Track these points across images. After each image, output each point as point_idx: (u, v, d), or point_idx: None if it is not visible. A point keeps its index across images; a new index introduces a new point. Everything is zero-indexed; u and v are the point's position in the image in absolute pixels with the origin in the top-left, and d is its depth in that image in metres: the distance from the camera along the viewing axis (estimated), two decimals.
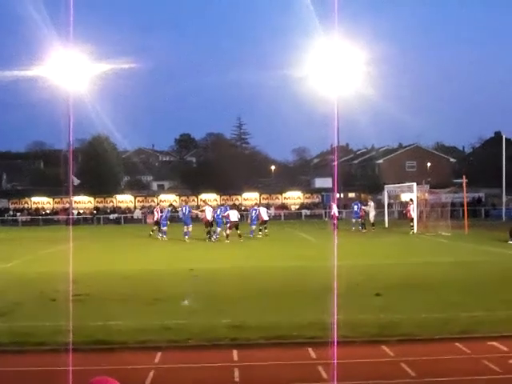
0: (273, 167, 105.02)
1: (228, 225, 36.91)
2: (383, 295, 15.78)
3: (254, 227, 39.94)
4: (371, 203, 46.31)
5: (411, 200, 42.84)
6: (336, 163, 77.79)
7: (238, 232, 36.55)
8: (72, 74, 52.98)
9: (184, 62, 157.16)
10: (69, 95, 55.64)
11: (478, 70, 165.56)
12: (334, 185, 68.53)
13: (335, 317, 11.85)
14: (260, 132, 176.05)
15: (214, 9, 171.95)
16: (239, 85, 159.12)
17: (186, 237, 37.34)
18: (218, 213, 38.13)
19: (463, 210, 45.14)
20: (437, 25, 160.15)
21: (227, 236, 36.05)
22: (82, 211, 75.44)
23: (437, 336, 11.70)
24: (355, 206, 45.29)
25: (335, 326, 11.36)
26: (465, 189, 46.10)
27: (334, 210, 44.93)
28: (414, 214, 41.45)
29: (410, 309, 14.06)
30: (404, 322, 12.67)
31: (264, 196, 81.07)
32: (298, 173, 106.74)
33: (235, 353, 10.91)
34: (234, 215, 37.27)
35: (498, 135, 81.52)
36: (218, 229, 37.69)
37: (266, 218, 40.59)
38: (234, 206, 46.35)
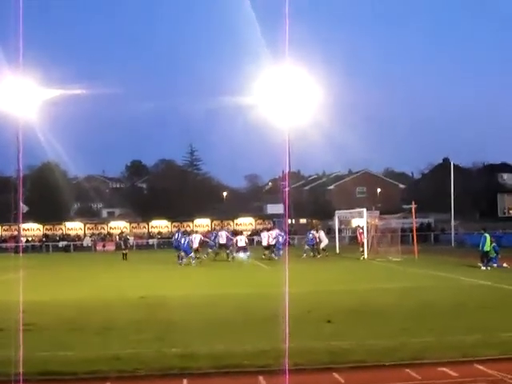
0: (225, 193, 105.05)
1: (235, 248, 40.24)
2: (334, 322, 15.80)
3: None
4: (321, 232, 46.52)
5: (360, 226, 43.23)
6: (288, 189, 78.09)
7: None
8: (21, 100, 52.44)
9: (135, 88, 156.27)
10: (18, 121, 55.05)
11: (426, 96, 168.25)
12: (284, 210, 68.72)
13: (286, 344, 11.86)
14: (212, 158, 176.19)
15: (165, 36, 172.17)
16: (191, 112, 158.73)
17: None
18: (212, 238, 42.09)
19: (413, 236, 45.59)
20: (386, 52, 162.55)
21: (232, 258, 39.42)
22: (30, 239, 74.35)
23: (387, 362, 11.73)
24: (310, 234, 45.48)
25: (288, 354, 11.36)
26: (414, 214, 46.67)
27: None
28: (364, 239, 41.81)
29: (361, 335, 14.09)
30: (355, 349, 12.68)
31: (216, 222, 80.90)
32: (250, 199, 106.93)
33: (185, 382, 10.79)
34: (241, 241, 38.79)
35: (446, 161, 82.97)
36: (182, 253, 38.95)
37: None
38: (240, 232, 47.61)
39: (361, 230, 42.62)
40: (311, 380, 10.83)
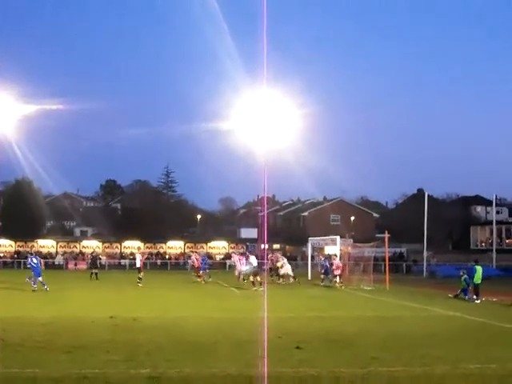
0: (199, 216, 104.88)
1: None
2: (303, 348, 15.81)
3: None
4: (283, 259, 46.09)
5: (335, 255, 43.10)
6: (264, 214, 78.18)
7: (258, 279, 38.65)
8: None
9: (112, 107, 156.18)
10: None
11: (403, 127, 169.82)
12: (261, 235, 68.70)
13: (257, 369, 11.84)
14: (187, 181, 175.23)
15: (144, 58, 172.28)
16: (167, 134, 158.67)
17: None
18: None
19: (385, 265, 45.81)
20: (366, 79, 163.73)
21: (253, 283, 37.67)
22: (2, 255, 73.71)
23: None
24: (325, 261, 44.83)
25: (256, 379, 11.35)
26: (387, 244, 46.87)
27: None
28: (339, 268, 41.73)
29: (330, 363, 14.09)
30: (324, 376, 12.68)
31: (189, 245, 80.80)
32: (224, 222, 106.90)
33: None
34: (254, 261, 38.77)
35: (420, 192, 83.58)
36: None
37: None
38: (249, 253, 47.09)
39: (335, 259, 42.32)
40: None
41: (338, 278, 41.49)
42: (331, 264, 42.38)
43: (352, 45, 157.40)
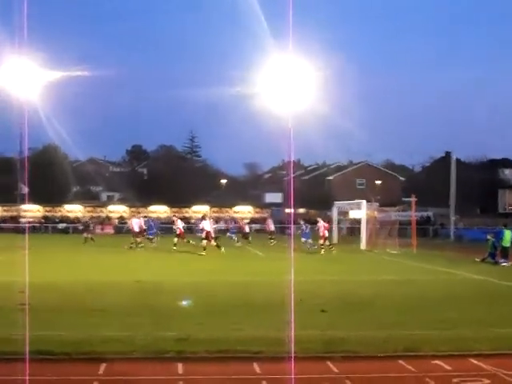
0: (224, 181, 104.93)
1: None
2: (328, 311, 15.85)
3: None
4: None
5: (320, 219, 42.56)
6: (289, 178, 78.06)
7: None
8: (23, 82, 52.27)
9: (138, 73, 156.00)
10: (20, 103, 54.81)
11: (430, 89, 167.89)
12: (288, 199, 68.65)
13: (283, 332, 11.90)
14: (212, 146, 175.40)
15: (168, 23, 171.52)
16: (192, 99, 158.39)
17: None
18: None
19: (411, 229, 45.66)
20: (390, 43, 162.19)
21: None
22: (30, 219, 74.48)
23: (381, 353, 11.78)
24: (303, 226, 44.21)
25: (282, 341, 11.41)
26: (414, 207, 46.69)
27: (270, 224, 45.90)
28: (326, 232, 40.31)
29: (355, 326, 14.13)
30: (349, 339, 12.70)
31: (214, 209, 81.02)
32: (249, 187, 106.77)
33: (180, 366, 10.84)
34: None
35: (447, 155, 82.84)
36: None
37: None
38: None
39: (320, 222, 41.34)
40: (305, 368, 10.85)
41: (322, 240, 39.77)
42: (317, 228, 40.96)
43: (378, 4, 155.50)
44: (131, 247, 40.30)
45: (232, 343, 12.23)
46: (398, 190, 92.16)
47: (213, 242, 37.53)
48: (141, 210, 78.72)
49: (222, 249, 36.94)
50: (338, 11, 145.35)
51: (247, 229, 51.29)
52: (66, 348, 11.65)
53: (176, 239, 39.29)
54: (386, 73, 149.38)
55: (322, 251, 38.42)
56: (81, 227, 58.62)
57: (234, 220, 53.42)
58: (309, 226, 43.30)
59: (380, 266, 31.26)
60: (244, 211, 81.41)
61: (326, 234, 39.95)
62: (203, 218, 40.97)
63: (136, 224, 42.28)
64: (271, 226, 48.50)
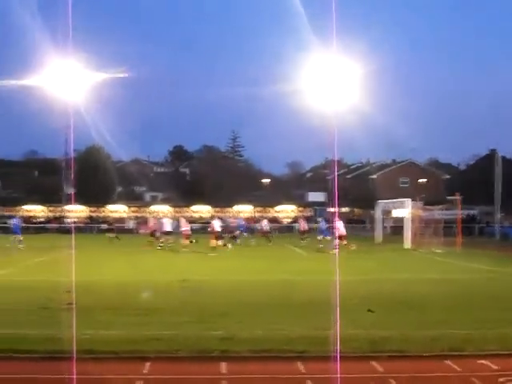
0: (266, 180, 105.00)
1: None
2: (374, 310, 15.76)
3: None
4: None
5: (302, 216, 41.83)
6: (332, 177, 77.85)
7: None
8: (68, 84, 52.98)
9: (180, 73, 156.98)
10: (65, 105, 55.58)
11: (475, 86, 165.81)
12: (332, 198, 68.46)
13: (328, 331, 11.85)
14: (254, 145, 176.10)
15: (210, 21, 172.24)
16: (234, 98, 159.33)
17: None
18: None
19: (456, 227, 45.18)
20: (436, 40, 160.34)
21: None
22: (75, 220, 75.45)
23: (426, 353, 11.66)
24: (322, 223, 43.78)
25: (327, 341, 11.36)
26: (459, 206, 46.20)
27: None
28: (344, 231, 39.46)
29: (401, 325, 14.03)
30: (394, 338, 12.62)
31: (257, 209, 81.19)
32: (291, 186, 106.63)
33: (224, 365, 10.87)
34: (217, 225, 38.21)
35: (493, 152, 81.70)
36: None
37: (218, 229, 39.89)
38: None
39: (301, 218, 40.82)
40: (350, 368, 10.80)
41: (337, 240, 37.33)
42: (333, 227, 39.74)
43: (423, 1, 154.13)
44: (161, 247, 40.36)
45: (276, 342, 12.23)
46: (443, 189, 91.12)
47: (219, 242, 37.60)
48: (184, 209, 79.29)
49: (230, 245, 37.37)
50: (382, 8, 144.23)
51: (268, 228, 51.35)
52: (112, 347, 11.77)
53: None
54: (431, 71, 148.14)
55: (335, 251, 35.51)
56: (105, 227, 59.16)
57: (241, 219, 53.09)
58: (326, 224, 42.91)
59: (425, 265, 30.98)
60: (287, 210, 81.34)
61: (344, 233, 38.92)
62: (212, 218, 41.75)
63: (167, 223, 42.43)
64: (304, 226, 47.82)
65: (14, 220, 44.13)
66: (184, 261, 32.40)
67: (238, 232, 46.93)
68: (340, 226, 38.91)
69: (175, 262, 32.01)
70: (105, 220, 75.91)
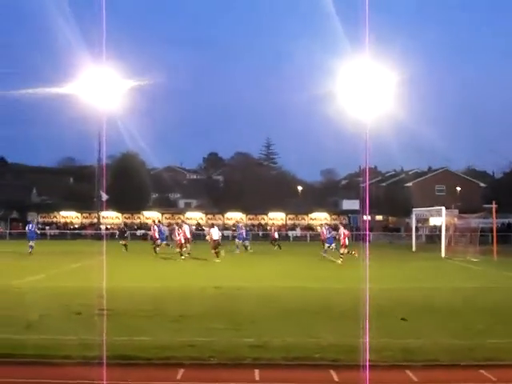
0: (300, 187, 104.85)
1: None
2: (408, 319, 15.63)
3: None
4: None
5: (324, 224, 40.91)
6: (367, 184, 77.40)
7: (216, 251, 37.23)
8: (103, 91, 53.46)
9: (214, 80, 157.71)
10: (100, 112, 56.15)
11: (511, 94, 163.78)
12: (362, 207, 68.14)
13: (361, 340, 11.76)
14: (288, 152, 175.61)
15: (244, 28, 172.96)
16: (268, 105, 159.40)
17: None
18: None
19: (492, 236, 44.70)
20: (473, 44, 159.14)
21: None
22: (109, 226, 76.00)
23: (462, 362, 11.53)
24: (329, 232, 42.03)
25: (360, 350, 11.27)
26: (494, 214, 45.72)
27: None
28: (347, 240, 37.63)
29: (435, 334, 13.89)
30: (429, 348, 12.51)
31: (290, 216, 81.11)
32: (326, 194, 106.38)
33: (257, 372, 10.84)
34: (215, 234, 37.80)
35: None
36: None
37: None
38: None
39: (323, 226, 40.00)
40: (384, 377, 10.72)
41: (342, 249, 37.01)
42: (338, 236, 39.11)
43: (456, 6, 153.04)
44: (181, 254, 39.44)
45: (308, 350, 12.18)
46: (479, 197, 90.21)
47: (212, 250, 37.26)
48: (217, 216, 79.46)
49: (219, 259, 36.42)
50: (417, 15, 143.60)
51: (276, 235, 51.92)
52: (146, 353, 11.81)
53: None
54: (468, 78, 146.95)
55: (340, 260, 35.77)
56: (117, 233, 59.23)
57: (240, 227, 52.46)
58: (332, 232, 41.77)
59: (461, 274, 30.68)
60: (320, 218, 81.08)
61: (347, 242, 37.31)
62: (212, 226, 41.72)
63: (187, 230, 40.64)
64: (324, 235, 46.18)
65: (30, 226, 44.18)
66: (214, 267, 32.44)
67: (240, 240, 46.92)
68: (341, 235, 37.86)
69: (208, 268, 32.06)
70: (139, 226, 76.42)
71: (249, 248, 46.48)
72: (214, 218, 79.61)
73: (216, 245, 37.29)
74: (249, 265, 34.69)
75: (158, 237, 43.33)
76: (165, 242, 42.99)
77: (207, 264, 34.55)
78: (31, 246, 40.96)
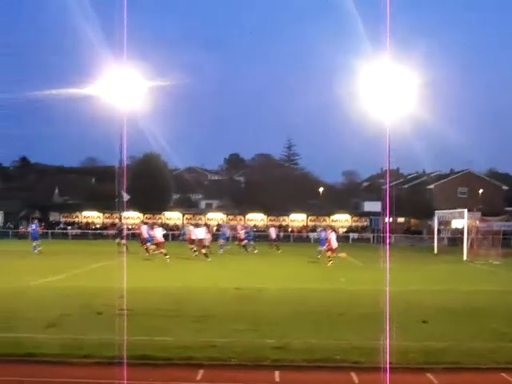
0: (321, 189, 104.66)
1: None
2: (430, 322, 15.56)
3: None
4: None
5: (329, 227, 40.27)
6: (387, 186, 77.10)
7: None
8: (125, 92, 53.62)
9: (236, 81, 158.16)
10: (122, 113, 56.33)
11: None
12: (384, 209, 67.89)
13: (382, 342, 11.73)
14: (309, 154, 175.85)
15: (266, 29, 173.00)
16: (289, 106, 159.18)
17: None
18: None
19: None
20: (495, 49, 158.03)
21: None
22: (131, 226, 76.30)
23: (483, 365, 11.46)
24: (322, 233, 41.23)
25: (381, 352, 11.24)
26: None
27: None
28: (335, 243, 36.79)
29: (456, 337, 13.82)
30: (450, 350, 12.45)
31: (311, 218, 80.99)
32: (347, 195, 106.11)
33: (277, 374, 10.85)
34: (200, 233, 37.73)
35: None
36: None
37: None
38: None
39: (330, 231, 38.73)
40: (405, 379, 10.70)
41: (330, 252, 36.11)
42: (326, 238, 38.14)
43: (480, 8, 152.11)
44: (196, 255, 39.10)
45: (329, 352, 12.16)
46: (501, 199, 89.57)
47: (202, 250, 37.14)
48: (238, 217, 79.51)
49: (209, 259, 36.42)
50: (442, 16, 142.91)
51: (274, 235, 51.73)
52: (167, 353, 11.85)
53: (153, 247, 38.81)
54: (490, 79, 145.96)
55: (330, 263, 34.96)
56: (115, 232, 59.09)
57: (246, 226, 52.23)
58: (321, 234, 40.76)
59: (482, 277, 30.50)
60: (341, 219, 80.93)
61: (335, 246, 36.54)
62: (197, 225, 41.50)
63: (199, 232, 39.37)
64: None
65: (33, 225, 44.10)
66: (236, 268, 32.46)
67: (245, 241, 46.70)
68: (332, 238, 37.04)
69: (228, 269, 32.09)
70: (161, 226, 76.45)
71: (250, 249, 46.01)
72: (235, 218, 79.69)
73: (203, 245, 37.43)
74: (269, 265, 34.70)
75: (146, 237, 41.27)
76: (149, 243, 40.78)
77: (226, 265, 34.58)
78: (34, 247, 40.96)
